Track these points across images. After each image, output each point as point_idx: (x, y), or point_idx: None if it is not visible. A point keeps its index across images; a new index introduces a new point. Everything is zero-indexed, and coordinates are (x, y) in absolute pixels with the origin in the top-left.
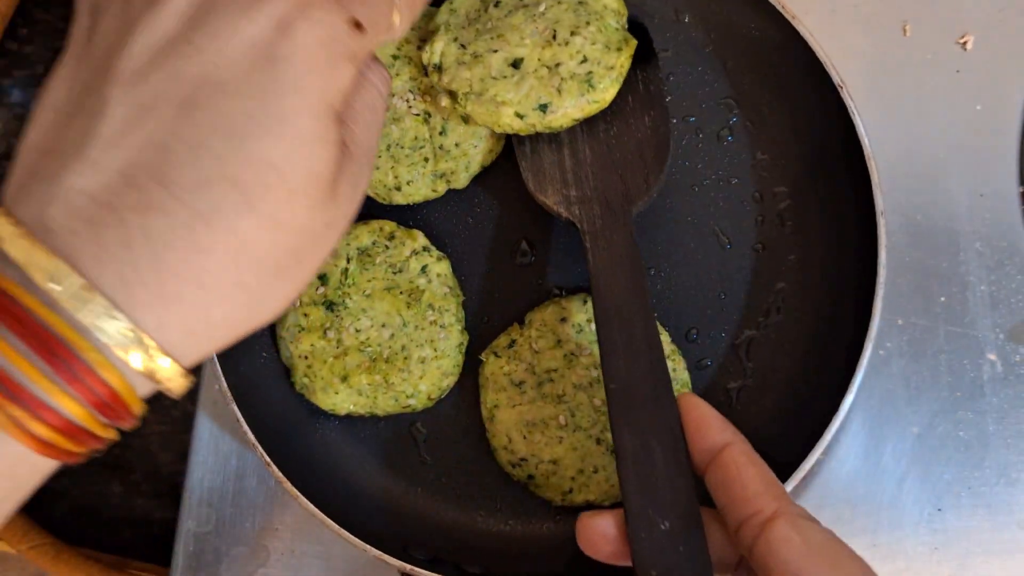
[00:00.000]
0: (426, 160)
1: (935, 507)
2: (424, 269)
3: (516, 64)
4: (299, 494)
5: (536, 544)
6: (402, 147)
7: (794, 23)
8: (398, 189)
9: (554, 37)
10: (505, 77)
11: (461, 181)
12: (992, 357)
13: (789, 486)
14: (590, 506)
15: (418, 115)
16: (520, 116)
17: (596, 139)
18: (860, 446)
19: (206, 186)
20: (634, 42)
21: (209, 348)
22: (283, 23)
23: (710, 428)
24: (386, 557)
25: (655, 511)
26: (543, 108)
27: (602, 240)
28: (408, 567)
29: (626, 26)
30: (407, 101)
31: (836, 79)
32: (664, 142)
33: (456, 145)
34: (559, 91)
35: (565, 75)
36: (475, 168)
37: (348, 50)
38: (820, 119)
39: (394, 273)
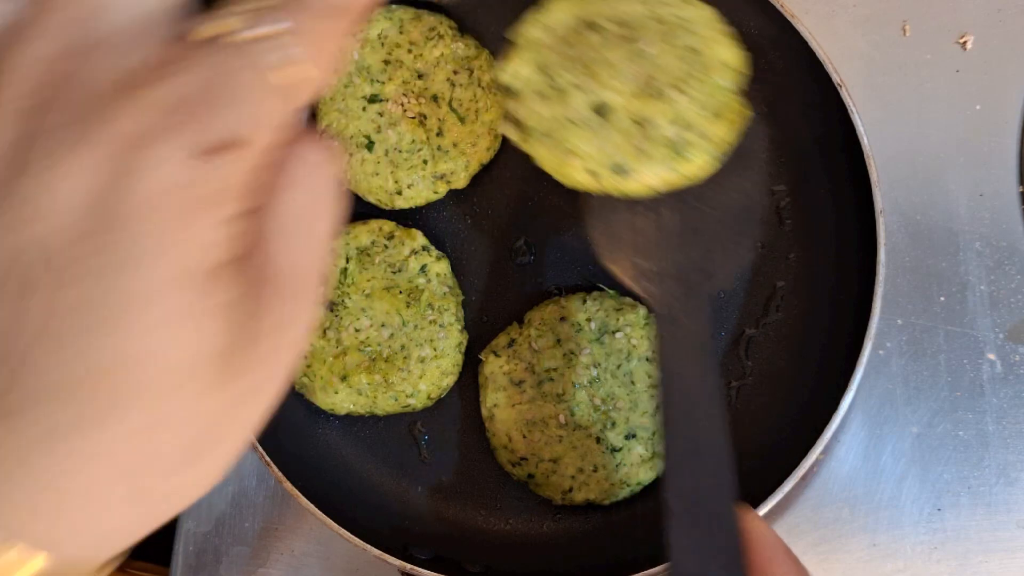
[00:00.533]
0: (425, 162)
1: (934, 507)
2: (423, 269)
3: (600, 111)
4: (299, 494)
5: (537, 542)
6: (400, 151)
7: (793, 22)
8: (399, 193)
9: (652, 87)
10: (585, 124)
11: (461, 181)
12: (991, 357)
13: (789, 484)
14: (590, 504)
15: (414, 118)
16: (592, 174)
17: (682, 202)
18: (860, 446)
19: (68, 390)
20: (746, 113)
21: (113, 551)
22: (118, 170)
23: (774, 562)
24: (387, 556)
25: None
26: (620, 170)
27: (679, 329)
28: (409, 566)
29: (738, 90)
30: (402, 105)
31: (835, 78)
32: (756, 211)
33: (454, 145)
34: (643, 154)
35: (655, 137)
36: (474, 167)
37: (213, 188)
38: (819, 118)
39: (393, 273)
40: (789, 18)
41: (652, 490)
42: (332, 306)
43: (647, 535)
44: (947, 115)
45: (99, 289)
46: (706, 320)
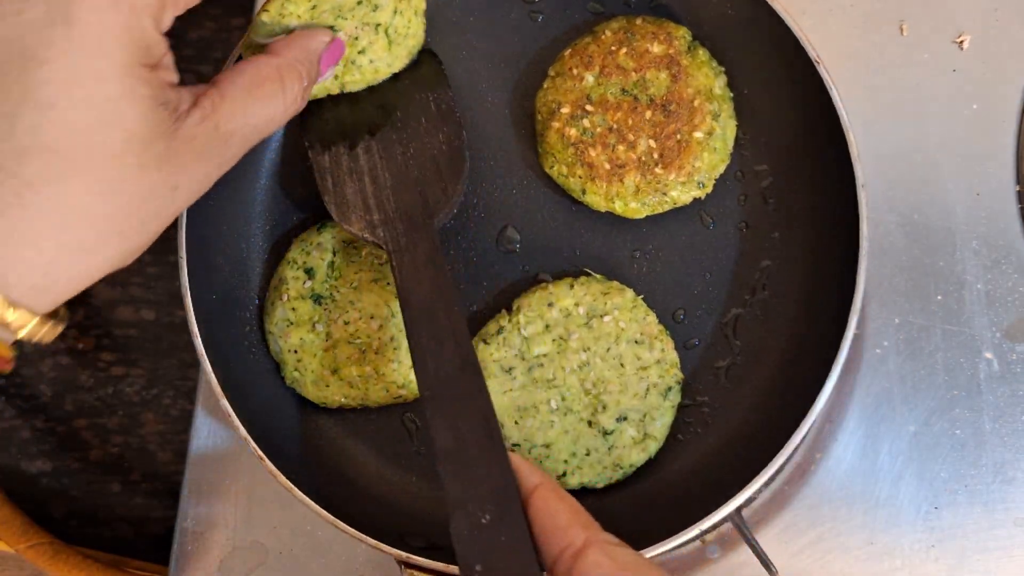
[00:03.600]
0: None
1: (932, 505)
2: None
3: None
4: (293, 487)
5: None
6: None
7: (770, 2)
8: None
9: None
10: None
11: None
12: (988, 355)
13: (778, 461)
14: (584, 488)
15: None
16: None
17: (394, 162)
18: (857, 444)
19: (26, 155)
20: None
21: (60, 299)
22: None
23: (520, 472)
24: (383, 546)
25: (475, 505)
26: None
27: (407, 255)
28: (405, 555)
29: None
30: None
31: (812, 55)
32: (459, 154)
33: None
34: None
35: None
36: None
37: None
38: (799, 95)
39: (381, 264)
40: None
41: (645, 472)
42: (320, 300)
43: (642, 516)
44: (944, 115)
45: (59, 68)
46: (432, 243)
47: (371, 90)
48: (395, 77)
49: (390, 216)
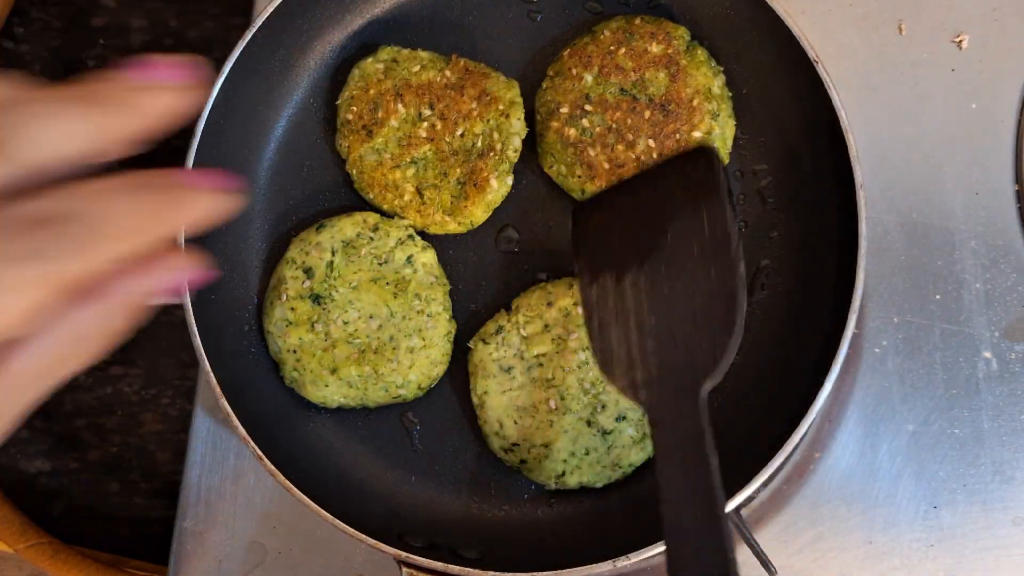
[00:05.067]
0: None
1: (930, 504)
2: (409, 259)
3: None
4: (292, 487)
5: (532, 528)
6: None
7: (769, 1)
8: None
9: None
10: None
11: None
12: (987, 355)
13: (777, 460)
14: (583, 488)
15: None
16: None
17: (659, 300)
18: (856, 444)
19: None
20: None
21: None
22: None
23: None
24: (382, 545)
25: None
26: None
27: (666, 428)
28: (404, 555)
29: None
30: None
31: (812, 55)
32: (732, 301)
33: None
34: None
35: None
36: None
37: None
38: (798, 95)
39: (379, 264)
40: None
41: (644, 471)
42: (319, 299)
43: (640, 516)
44: (943, 114)
45: None
46: (696, 419)
47: (643, 178)
48: (665, 167)
49: (653, 376)
